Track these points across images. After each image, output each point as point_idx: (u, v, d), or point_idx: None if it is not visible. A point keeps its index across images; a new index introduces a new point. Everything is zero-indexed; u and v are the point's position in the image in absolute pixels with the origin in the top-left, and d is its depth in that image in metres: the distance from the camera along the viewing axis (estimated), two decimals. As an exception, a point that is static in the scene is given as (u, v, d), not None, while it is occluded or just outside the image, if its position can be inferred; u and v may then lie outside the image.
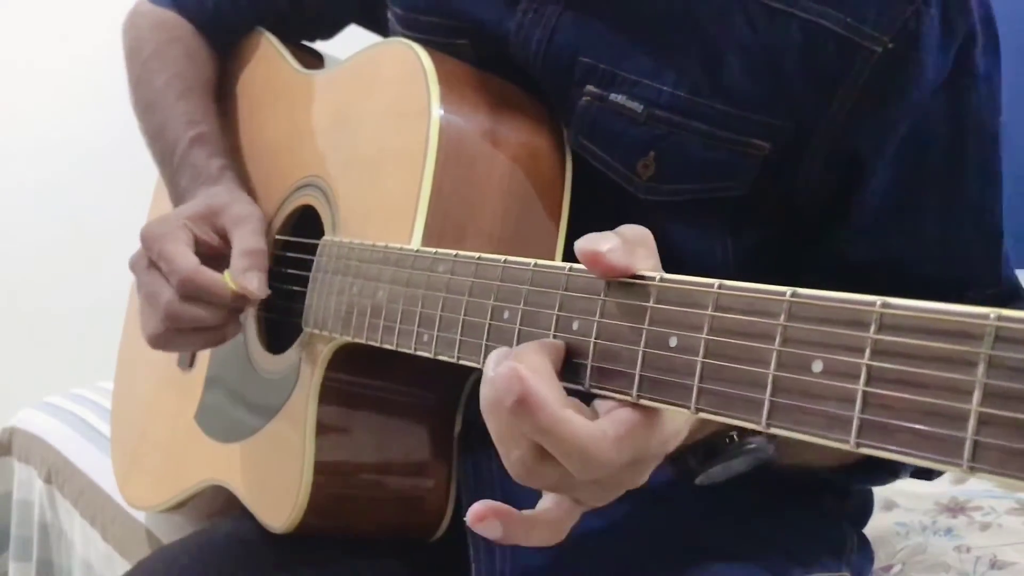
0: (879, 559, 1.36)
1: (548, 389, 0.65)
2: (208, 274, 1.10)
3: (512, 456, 0.70)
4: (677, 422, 0.70)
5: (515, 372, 0.65)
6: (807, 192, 1.04)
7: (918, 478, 1.20)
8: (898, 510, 1.52)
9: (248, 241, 1.13)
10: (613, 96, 1.04)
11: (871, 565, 1.28)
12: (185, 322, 1.12)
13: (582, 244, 0.68)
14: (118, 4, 1.52)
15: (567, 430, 0.65)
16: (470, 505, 1.06)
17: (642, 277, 0.67)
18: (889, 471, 1.11)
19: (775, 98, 1.00)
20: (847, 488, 1.22)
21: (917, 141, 1.01)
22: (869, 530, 1.28)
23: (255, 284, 1.09)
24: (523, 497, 0.93)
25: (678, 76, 1.02)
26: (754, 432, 0.85)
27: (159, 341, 1.15)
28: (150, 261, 1.13)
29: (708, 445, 0.91)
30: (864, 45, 0.96)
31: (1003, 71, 1.03)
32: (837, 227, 1.05)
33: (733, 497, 1.05)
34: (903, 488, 1.51)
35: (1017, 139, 1.20)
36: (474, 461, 1.11)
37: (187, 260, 1.10)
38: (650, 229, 1.01)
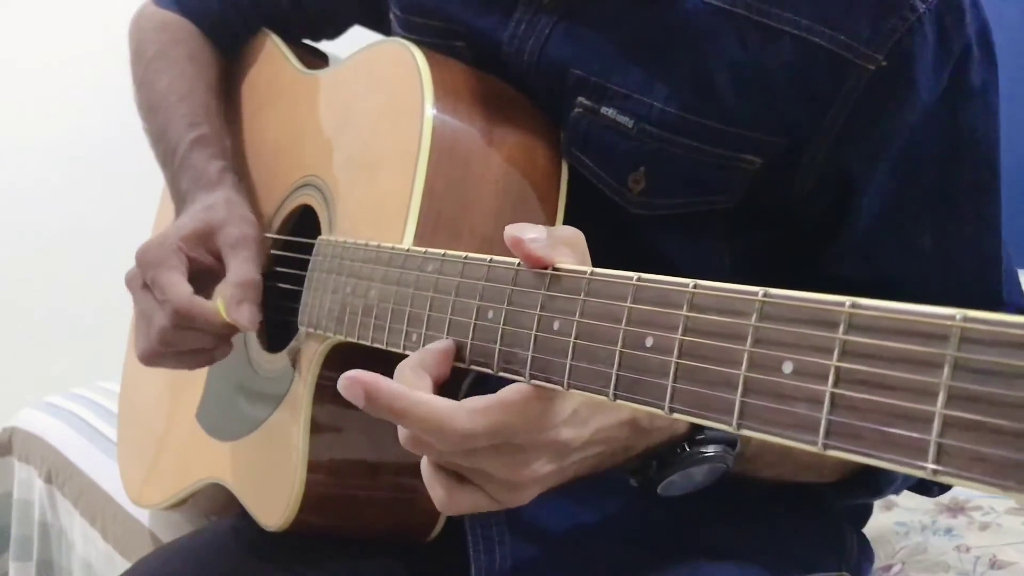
0: (879, 559, 1.36)
1: (390, 383, 0.74)
2: (200, 305, 1.11)
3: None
4: (562, 414, 0.79)
5: (349, 379, 0.74)
6: (800, 207, 1.04)
7: (916, 492, 1.20)
8: (898, 510, 1.52)
9: (242, 271, 1.13)
10: (604, 109, 1.04)
11: (871, 565, 1.28)
12: (177, 346, 1.14)
13: (510, 229, 0.74)
14: (118, 4, 1.52)
15: (421, 409, 0.73)
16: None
17: (621, 276, 0.67)
18: (871, 488, 1.11)
19: (766, 114, 0.99)
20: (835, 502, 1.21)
21: (911, 158, 1.00)
22: (869, 530, 1.28)
23: (246, 317, 1.10)
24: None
25: (669, 92, 1.01)
26: (707, 440, 0.89)
27: (151, 360, 1.17)
28: (144, 283, 1.14)
29: (662, 457, 0.92)
30: (857, 63, 0.95)
31: (1001, 72, 1.02)
32: (831, 243, 1.05)
33: (733, 497, 1.05)
34: (902, 488, 1.51)
35: (1017, 140, 1.19)
36: None
37: (181, 291, 1.11)
38: (644, 241, 1.04)
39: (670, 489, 0.93)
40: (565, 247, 0.74)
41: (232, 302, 1.10)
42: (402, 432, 0.78)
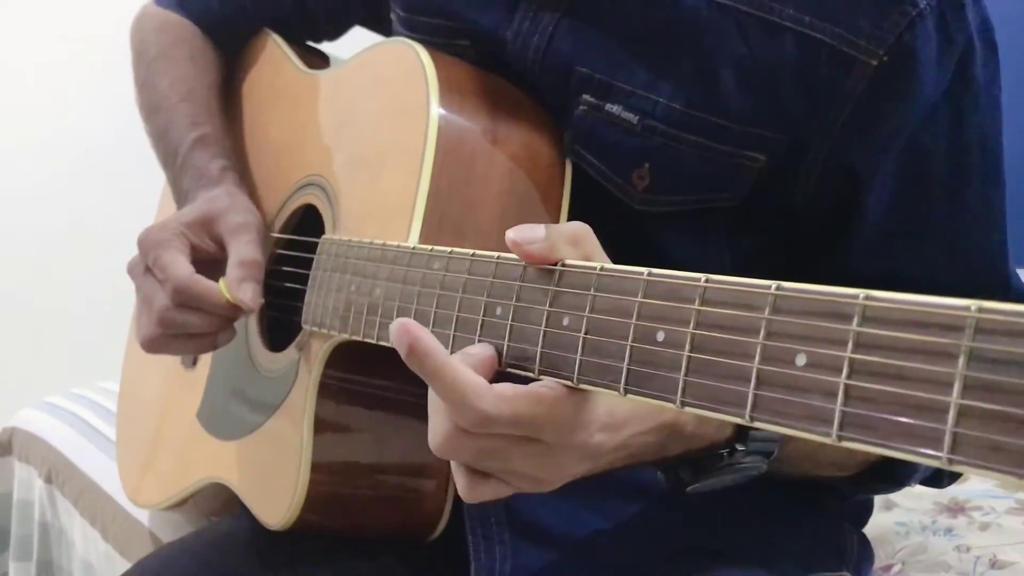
0: (879, 559, 1.36)
1: (435, 342, 0.74)
2: (202, 283, 1.11)
3: (435, 426, 0.78)
4: (595, 418, 0.78)
5: (403, 325, 0.74)
6: (805, 204, 1.04)
7: (928, 485, 1.20)
8: (898, 510, 1.52)
9: (244, 251, 1.13)
10: (609, 107, 1.04)
11: (871, 565, 1.28)
12: (178, 328, 1.13)
13: (511, 233, 0.75)
14: (119, 4, 1.52)
15: (451, 374, 0.73)
16: (469, 507, 1.06)
17: (631, 272, 0.67)
18: (893, 480, 1.11)
19: (769, 111, 1.00)
20: (851, 495, 1.21)
21: (917, 154, 1.01)
22: (869, 530, 1.28)
23: (249, 295, 1.10)
24: (524, 501, 0.93)
25: (674, 88, 1.01)
26: (748, 452, 0.90)
27: (152, 345, 1.16)
28: (146, 267, 1.14)
29: (697, 462, 0.92)
30: (859, 59, 0.96)
31: (1003, 71, 1.03)
32: (839, 239, 1.05)
33: (734, 498, 1.05)
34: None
35: (1018, 139, 1.19)
36: None
37: (182, 269, 1.11)
38: (647, 238, 1.04)
39: (699, 490, 0.93)
40: (567, 245, 0.74)
41: (234, 281, 1.10)
42: (432, 436, 0.78)
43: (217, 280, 1.12)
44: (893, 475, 1.09)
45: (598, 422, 0.79)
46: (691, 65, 1.01)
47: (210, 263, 1.16)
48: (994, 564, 1.36)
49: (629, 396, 0.65)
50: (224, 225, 1.16)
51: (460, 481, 0.80)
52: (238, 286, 1.10)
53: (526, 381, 0.75)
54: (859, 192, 1.02)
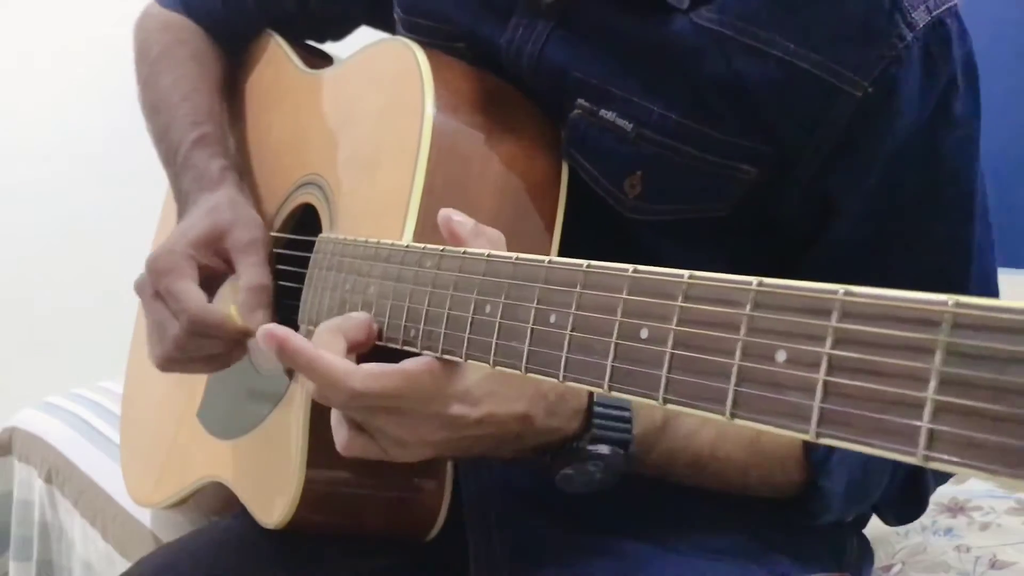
0: (879, 559, 1.36)
1: (301, 340, 0.86)
2: (215, 313, 1.12)
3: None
4: (454, 391, 0.87)
5: (266, 330, 0.86)
6: (786, 219, 1.05)
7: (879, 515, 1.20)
8: (898, 510, 1.52)
9: (254, 275, 1.15)
10: (603, 112, 1.04)
11: (871, 565, 1.28)
12: (193, 352, 1.15)
13: (443, 211, 0.87)
14: (120, 3, 1.52)
15: (320, 363, 0.84)
16: (469, 505, 1.06)
17: (617, 268, 0.67)
18: (807, 514, 1.10)
19: (755, 126, 1.00)
20: None
21: (891, 183, 1.01)
22: (869, 530, 1.28)
23: (260, 322, 1.10)
24: (523, 500, 0.92)
25: (668, 99, 1.02)
26: (597, 440, 0.94)
27: (167, 366, 1.18)
28: (156, 292, 1.15)
29: (555, 454, 0.95)
30: (844, 89, 0.96)
31: (1001, 70, 1.03)
32: (804, 259, 1.06)
33: (734, 498, 1.05)
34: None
35: (1015, 140, 1.19)
36: (473, 460, 1.11)
37: (195, 299, 1.12)
38: (637, 245, 1.06)
39: (569, 484, 0.95)
40: (486, 240, 0.83)
41: (245, 308, 1.12)
42: (307, 385, 0.88)
43: (219, 293, 1.13)
44: (805, 508, 1.09)
45: (455, 395, 0.87)
46: (681, 83, 1.01)
47: (217, 277, 1.18)
48: (994, 564, 1.35)
49: (613, 392, 0.65)
50: (231, 242, 1.17)
51: (339, 435, 0.91)
52: (250, 314, 1.11)
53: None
54: (831, 217, 1.02)
